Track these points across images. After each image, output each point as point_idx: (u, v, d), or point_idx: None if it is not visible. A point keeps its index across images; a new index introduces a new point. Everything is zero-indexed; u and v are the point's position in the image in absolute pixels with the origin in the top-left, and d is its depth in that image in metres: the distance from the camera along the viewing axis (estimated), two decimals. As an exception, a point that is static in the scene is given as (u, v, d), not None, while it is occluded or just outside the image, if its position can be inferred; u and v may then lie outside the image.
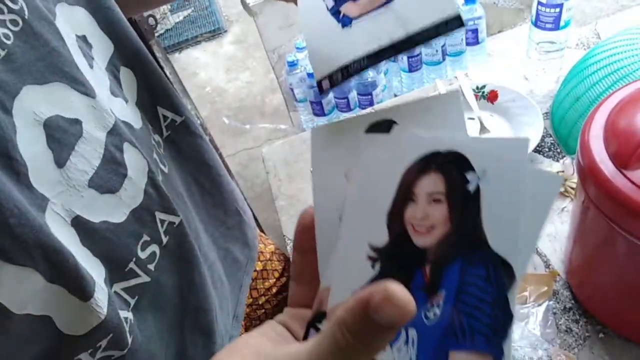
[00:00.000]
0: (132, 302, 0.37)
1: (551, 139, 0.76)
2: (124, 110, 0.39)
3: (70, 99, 0.32)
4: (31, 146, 0.29)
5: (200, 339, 0.45)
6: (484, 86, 0.83)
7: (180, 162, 0.47)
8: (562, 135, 0.74)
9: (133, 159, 0.36)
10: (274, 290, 0.68)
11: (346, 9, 0.29)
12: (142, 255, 0.37)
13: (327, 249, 0.24)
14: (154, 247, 0.39)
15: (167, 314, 0.42)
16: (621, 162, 0.40)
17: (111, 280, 0.35)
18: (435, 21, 0.27)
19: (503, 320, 0.20)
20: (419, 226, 0.22)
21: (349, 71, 0.28)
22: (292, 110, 1.65)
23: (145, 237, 0.38)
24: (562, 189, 0.67)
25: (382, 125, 0.25)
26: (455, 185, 0.22)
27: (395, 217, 0.23)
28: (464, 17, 0.29)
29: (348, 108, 1.41)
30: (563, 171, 0.68)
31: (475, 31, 1.27)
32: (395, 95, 1.45)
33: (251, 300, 0.65)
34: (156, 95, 0.44)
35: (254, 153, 2.03)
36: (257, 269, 0.65)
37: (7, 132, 0.28)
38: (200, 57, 2.66)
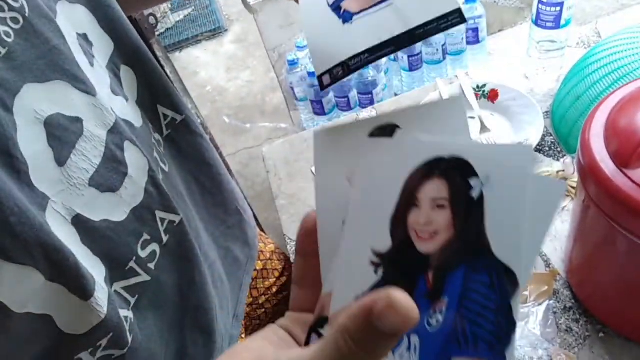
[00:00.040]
0: (133, 301, 0.37)
1: (552, 138, 0.76)
2: (125, 109, 0.39)
3: (71, 97, 0.32)
4: (32, 144, 0.29)
5: (200, 338, 0.45)
6: (484, 85, 0.83)
7: (181, 161, 0.47)
8: (562, 134, 0.74)
9: (134, 158, 0.36)
10: (274, 289, 0.68)
11: (347, 4, 0.29)
12: (143, 254, 0.37)
13: (330, 254, 0.24)
14: (154, 246, 0.39)
15: (167, 313, 0.42)
16: (622, 161, 0.40)
17: (111, 279, 0.35)
18: (435, 16, 0.27)
19: (506, 327, 0.20)
20: (422, 232, 0.22)
21: (349, 66, 0.28)
22: (293, 109, 1.65)
23: (146, 236, 0.38)
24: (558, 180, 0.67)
25: (386, 130, 0.25)
26: (459, 191, 0.22)
27: (399, 223, 0.23)
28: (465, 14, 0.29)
29: (348, 107, 1.41)
30: (563, 170, 0.68)
31: (475, 30, 1.27)
32: (396, 95, 1.45)
33: (251, 299, 0.65)
34: (156, 94, 0.44)
35: (254, 152, 2.03)
36: (257, 268, 0.65)
37: (8, 130, 0.28)
38: (200, 56, 2.66)
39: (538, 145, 0.74)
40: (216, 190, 0.52)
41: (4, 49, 0.29)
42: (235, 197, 0.56)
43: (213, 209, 0.52)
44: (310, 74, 1.35)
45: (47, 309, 0.30)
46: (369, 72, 1.34)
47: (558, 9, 0.75)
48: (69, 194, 0.32)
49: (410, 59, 1.35)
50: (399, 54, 1.34)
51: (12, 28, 0.30)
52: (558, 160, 0.72)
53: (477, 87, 0.84)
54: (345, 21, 0.29)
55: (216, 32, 2.73)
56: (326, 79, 0.29)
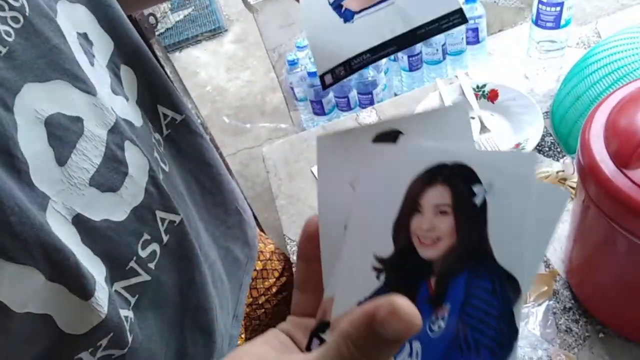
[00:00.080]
0: (133, 300, 0.37)
1: (551, 138, 0.76)
2: (125, 109, 0.39)
3: (71, 97, 0.32)
4: (32, 144, 0.29)
5: (200, 338, 0.45)
6: (484, 85, 0.83)
7: (181, 160, 0.47)
8: (562, 135, 0.74)
9: (134, 157, 0.36)
10: (274, 289, 0.68)
11: (348, 3, 0.29)
12: (143, 254, 0.37)
13: (332, 258, 0.24)
14: (155, 246, 0.39)
15: (168, 312, 0.42)
16: (622, 161, 0.40)
17: (112, 279, 0.35)
18: (437, 16, 0.27)
19: (508, 334, 0.20)
20: (424, 238, 0.22)
21: (351, 66, 0.28)
22: (293, 109, 1.65)
23: (146, 236, 0.38)
24: (562, 188, 0.67)
25: (389, 136, 0.25)
26: (462, 197, 0.22)
27: (401, 228, 0.23)
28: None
29: (348, 107, 1.41)
30: (563, 170, 0.68)
31: (475, 30, 1.27)
32: (396, 95, 1.45)
33: (251, 299, 0.65)
34: (156, 94, 0.44)
35: (254, 152, 2.03)
36: (257, 268, 0.65)
37: (9, 129, 0.28)
38: (200, 56, 2.66)
39: (538, 145, 0.74)
40: (216, 190, 0.52)
41: (5, 48, 0.29)
42: (235, 197, 0.56)
43: (213, 209, 0.52)
44: (310, 74, 1.35)
45: (48, 309, 0.30)
46: (369, 72, 1.34)
47: (558, 9, 0.75)
48: (69, 194, 0.32)
49: (410, 59, 1.35)
50: (399, 54, 1.34)
51: (12, 27, 0.30)
52: (558, 160, 0.72)
53: (477, 87, 0.84)
54: (346, 20, 0.29)
55: (216, 32, 2.73)
56: (328, 79, 0.29)
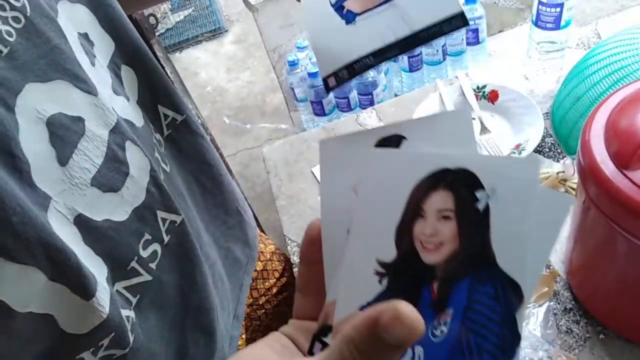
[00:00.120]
0: (134, 300, 0.37)
1: (551, 139, 0.76)
2: (126, 109, 0.39)
3: (72, 97, 0.32)
4: (34, 144, 0.29)
5: (201, 338, 0.45)
6: (484, 86, 0.83)
7: (181, 161, 0.47)
8: (562, 135, 0.75)
9: (135, 158, 0.36)
10: (274, 290, 0.68)
11: (349, 4, 0.29)
12: (144, 254, 0.37)
13: (334, 262, 0.24)
14: (156, 246, 0.39)
15: (169, 312, 0.42)
16: (622, 162, 0.40)
17: (113, 279, 0.35)
18: (438, 19, 0.27)
19: (511, 339, 0.20)
20: (427, 243, 0.22)
21: (355, 69, 0.28)
22: (293, 109, 1.65)
23: (147, 236, 0.38)
24: (562, 189, 0.67)
25: (392, 140, 0.25)
26: (465, 202, 0.22)
27: (404, 233, 0.23)
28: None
29: (349, 108, 1.41)
30: (563, 171, 0.68)
31: (475, 31, 1.27)
32: (396, 95, 1.45)
33: (251, 300, 0.65)
34: (157, 94, 0.44)
35: (254, 153, 2.03)
36: (258, 269, 0.65)
37: (10, 129, 0.28)
38: (200, 57, 2.66)
39: (538, 146, 0.74)
40: (217, 191, 0.52)
41: (6, 48, 0.29)
42: (236, 197, 0.56)
43: (214, 209, 0.52)
44: (311, 75, 1.35)
45: (49, 309, 0.30)
46: (369, 72, 1.34)
47: (558, 9, 0.75)
48: (70, 194, 0.32)
49: (410, 59, 1.35)
50: (399, 54, 1.34)
51: (13, 27, 0.30)
52: (558, 161, 0.72)
53: (477, 88, 0.84)
54: (348, 22, 0.29)
55: (216, 32, 2.74)
56: (331, 81, 0.29)
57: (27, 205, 0.28)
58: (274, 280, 0.68)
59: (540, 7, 0.76)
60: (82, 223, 0.32)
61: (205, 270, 0.45)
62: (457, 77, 0.90)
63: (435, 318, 0.22)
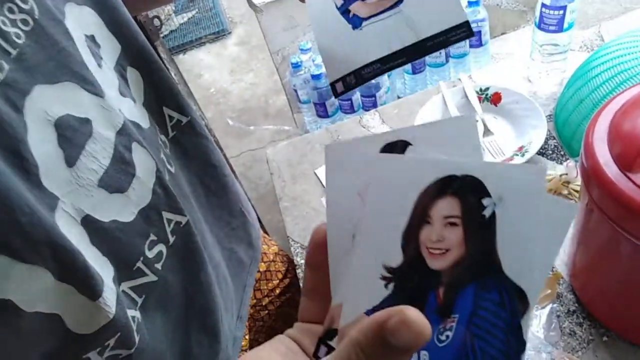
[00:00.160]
0: (140, 301, 0.37)
1: (555, 141, 0.76)
2: (132, 110, 0.39)
3: (80, 99, 0.32)
4: (42, 145, 0.30)
5: (205, 338, 0.45)
6: (487, 88, 0.84)
7: (186, 162, 0.47)
8: (565, 138, 0.75)
9: (141, 159, 0.37)
10: (277, 291, 0.68)
11: (355, 8, 0.30)
12: (150, 254, 0.38)
13: (340, 266, 0.25)
14: (161, 247, 0.39)
15: (173, 313, 0.42)
16: (625, 164, 0.40)
17: (119, 279, 0.35)
18: (444, 28, 0.27)
19: (516, 346, 0.21)
20: (433, 248, 0.22)
21: (362, 75, 0.28)
22: (296, 111, 1.65)
23: (153, 237, 0.38)
24: (565, 192, 0.67)
25: (397, 146, 0.25)
26: (471, 209, 0.22)
27: (410, 239, 0.23)
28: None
29: (352, 110, 1.41)
30: (566, 174, 0.68)
31: (478, 33, 1.27)
32: (399, 97, 1.45)
33: (255, 301, 0.65)
34: (162, 96, 0.44)
35: (257, 154, 2.04)
36: (261, 270, 0.65)
37: (19, 131, 0.28)
38: (204, 59, 2.67)
39: (541, 148, 0.74)
40: (221, 192, 0.52)
41: (15, 51, 0.29)
42: (240, 198, 0.56)
43: (218, 210, 0.52)
44: (314, 77, 1.35)
45: (56, 309, 0.30)
46: (372, 75, 1.34)
47: (561, 12, 0.75)
48: (78, 195, 0.32)
49: (413, 62, 1.35)
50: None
51: (22, 30, 0.30)
52: (561, 163, 0.72)
53: (480, 90, 0.84)
54: (355, 27, 0.29)
55: (220, 34, 2.75)
56: (339, 87, 0.29)
57: (36, 206, 0.28)
58: (277, 281, 0.69)
59: (543, 9, 0.76)
60: (89, 224, 0.33)
61: (209, 271, 0.45)
62: (460, 79, 0.90)
63: (440, 323, 0.22)
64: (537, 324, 0.57)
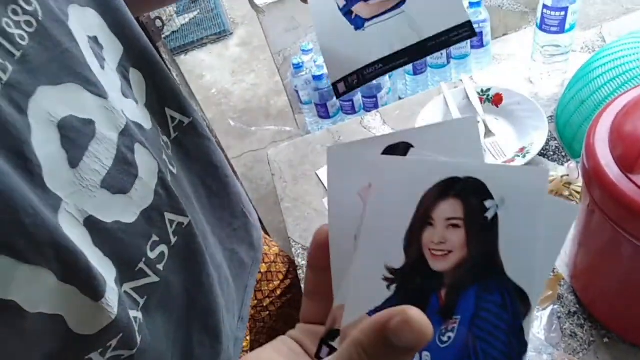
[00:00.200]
0: (142, 301, 0.38)
1: (556, 142, 0.76)
2: (135, 111, 0.39)
3: (83, 100, 0.33)
4: (45, 146, 0.30)
5: (207, 339, 0.45)
6: (488, 89, 0.84)
7: (188, 163, 0.48)
8: (567, 139, 0.75)
9: (144, 160, 0.37)
10: (278, 292, 0.68)
11: (358, 9, 0.30)
12: (152, 255, 0.38)
13: (342, 267, 0.25)
14: (163, 248, 0.39)
15: (175, 313, 0.42)
16: (626, 166, 0.40)
17: (121, 280, 0.35)
18: (446, 28, 0.27)
19: (518, 348, 0.21)
20: (436, 250, 0.23)
21: (364, 75, 0.28)
22: (297, 112, 1.66)
23: (155, 238, 0.38)
24: (567, 193, 0.67)
25: (399, 148, 0.25)
26: (474, 211, 0.22)
27: (413, 240, 0.23)
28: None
29: (353, 110, 1.41)
30: (568, 175, 0.68)
31: (480, 34, 1.27)
32: (400, 98, 1.45)
33: (256, 302, 0.65)
34: (164, 97, 0.44)
35: (259, 155, 2.04)
36: (262, 270, 0.65)
37: (23, 132, 0.28)
38: (206, 59, 2.67)
39: (542, 149, 0.74)
40: (223, 193, 0.52)
41: (19, 52, 0.29)
42: (241, 199, 0.57)
43: (219, 211, 0.52)
44: (315, 78, 1.35)
45: (59, 310, 0.31)
46: (374, 76, 1.34)
47: (562, 13, 0.75)
48: (81, 196, 0.32)
49: (415, 62, 1.35)
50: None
51: (26, 31, 0.30)
52: (562, 164, 0.72)
53: (482, 91, 0.84)
54: (357, 27, 0.30)
55: (221, 35, 2.75)
56: (341, 87, 0.29)
57: (39, 207, 0.28)
58: (278, 282, 0.69)
59: (544, 10, 0.76)
60: (91, 225, 0.33)
61: (211, 271, 0.45)
62: (461, 80, 0.90)
63: (442, 324, 0.22)
64: (538, 326, 0.57)
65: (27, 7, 0.30)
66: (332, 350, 0.24)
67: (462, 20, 0.27)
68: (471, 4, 1.21)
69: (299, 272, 0.73)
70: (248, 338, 0.61)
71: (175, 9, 2.90)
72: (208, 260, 0.44)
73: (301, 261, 0.74)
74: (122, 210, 0.35)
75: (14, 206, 0.27)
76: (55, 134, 0.30)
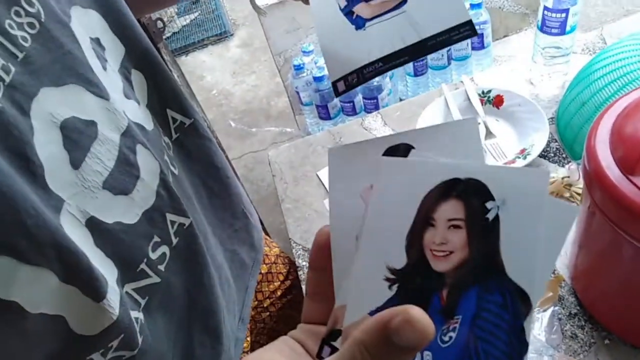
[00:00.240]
0: (143, 302, 0.38)
1: (557, 144, 0.76)
2: (136, 112, 0.39)
3: (85, 101, 0.33)
4: (48, 147, 0.30)
5: (208, 339, 0.45)
6: (489, 91, 0.84)
7: (189, 164, 0.48)
8: (567, 140, 0.75)
9: (145, 161, 0.37)
10: (279, 293, 0.68)
11: (359, 9, 0.30)
12: (153, 256, 0.38)
13: (343, 268, 0.25)
14: (164, 248, 0.39)
15: (176, 314, 0.42)
16: (627, 167, 0.40)
17: (122, 280, 0.35)
18: (447, 27, 0.27)
19: (518, 347, 0.21)
20: (437, 251, 0.23)
21: (364, 74, 0.29)
22: (298, 113, 1.66)
23: (156, 238, 0.38)
24: (567, 194, 0.67)
25: (400, 149, 0.25)
26: (475, 212, 0.22)
27: (414, 241, 0.23)
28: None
29: (354, 112, 1.41)
30: (569, 176, 0.68)
31: (480, 36, 1.28)
32: (401, 100, 1.45)
33: (256, 303, 0.65)
34: (166, 98, 0.45)
35: (259, 156, 2.04)
36: (262, 271, 0.65)
37: (25, 134, 0.28)
38: (206, 60, 2.68)
39: (543, 151, 0.74)
40: (224, 194, 0.52)
41: (22, 54, 0.29)
42: (242, 200, 0.57)
43: (220, 212, 0.52)
44: (316, 79, 1.35)
45: (61, 310, 0.31)
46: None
47: (563, 15, 0.75)
48: (83, 197, 0.32)
49: (415, 64, 1.35)
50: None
51: (28, 33, 0.30)
52: (563, 166, 0.72)
53: (483, 92, 0.84)
54: (358, 27, 0.30)
55: (222, 36, 2.76)
56: (341, 86, 0.29)
57: (41, 208, 0.28)
58: (279, 283, 0.69)
59: (545, 12, 0.76)
60: (93, 225, 0.33)
61: (212, 272, 0.45)
62: (462, 81, 0.90)
63: (444, 324, 0.22)
64: (538, 327, 0.57)
65: (29, 9, 0.30)
66: (334, 350, 0.24)
67: (464, 19, 0.27)
68: (472, 6, 1.22)
69: (300, 273, 0.73)
70: (248, 339, 0.61)
71: (176, 10, 2.91)
72: (209, 261, 0.44)
73: (302, 262, 0.74)
74: (124, 211, 0.35)
75: (16, 207, 0.27)
76: (57, 135, 0.31)
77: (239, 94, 2.41)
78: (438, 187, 0.23)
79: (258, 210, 0.76)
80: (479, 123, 0.81)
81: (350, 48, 0.29)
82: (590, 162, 0.43)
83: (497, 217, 0.22)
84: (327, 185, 0.84)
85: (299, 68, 1.41)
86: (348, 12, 0.30)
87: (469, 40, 1.30)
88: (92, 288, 0.31)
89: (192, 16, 2.92)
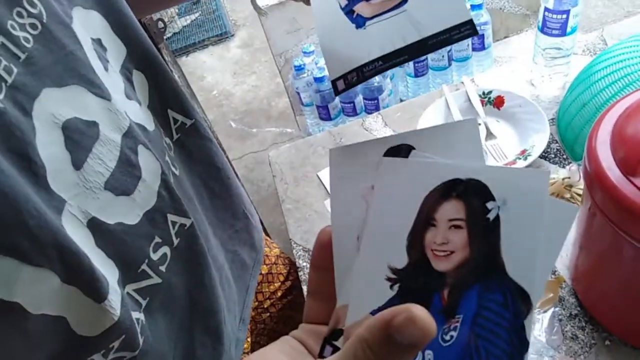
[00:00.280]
0: (144, 303, 0.38)
1: (557, 145, 0.76)
2: (138, 113, 0.39)
3: (87, 102, 0.33)
4: (50, 148, 0.30)
5: (209, 340, 0.45)
6: (490, 92, 0.84)
7: (190, 165, 0.48)
8: (568, 141, 0.75)
9: (147, 162, 0.37)
10: (279, 293, 0.68)
11: (360, 9, 0.30)
12: (154, 256, 0.38)
13: (345, 268, 0.25)
14: (165, 249, 0.39)
15: (177, 315, 0.42)
16: (628, 168, 0.40)
17: (124, 281, 0.35)
18: (448, 26, 0.27)
19: (519, 346, 0.21)
20: (438, 251, 0.23)
21: (364, 73, 0.29)
22: (299, 114, 1.66)
23: (157, 239, 0.38)
24: (568, 195, 0.67)
25: (401, 150, 0.25)
26: (476, 212, 0.22)
27: (415, 241, 0.23)
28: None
29: (354, 112, 1.41)
30: (569, 177, 0.68)
31: (481, 37, 1.28)
32: (401, 100, 1.46)
33: (256, 303, 0.65)
34: (166, 98, 0.45)
35: (260, 156, 2.04)
36: (263, 272, 0.65)
37: (27, 134, 0.29)
38: (207, 61, 2.68)
39: (544, 152, 0.74)
40: (225, 194, 0.52)
41: (24, 54, 0.29)
42: (243, 200, 0.57)
43: (221, 212, 0.52)
44: (317, 80, 1.35)
45: (62, 311, 0.31)
46: (375, 77, 1.34)
47: (564, 16, 0.75)
48: (84, 197, 0.32)
49: (416, 65, 1.36)
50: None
51: (31, 34, 0.30)
52: (564, 167, 0.72)
53: (483, 93, 0.84)
54: (358, 26, 0.30)
55: (223, 36, 2.76)
56: (340, 84, 0.29)
57: (43, 208, 0.28)
58: (279, 283, 0.69)
59: (546, 13, 0.76)
60: (95, 226, 0.33)
61: (213, 273, 0.45)
62: (462, 82, 0.90)
63: (445, 323, 0.22)
64: (539, 328, 0.57)
65: (31, 10, 0.30)
66: (336, 349, 0.24)
67: (464, 18, 0.27)
68: (473, 7, 1.22)
69: (300, 273, 0.73)
70: (249, 340, 0.61)
71: (177, 10, 2.91)
72: (210, 262, 0.44)
73: (302, 263, 0.74)
74: (125, 212, 0.35)
75: (18, 207, 0.27)
76: (59, 135, 0.31)
77: (239, 94, 2.41)
78: (439, 188, 0.23)
79: (258, 211, 0.76)
80: (480, 124, 0.81)
81: (351, 47, 0.29)
82: (591, 163, 0.43)
83: (497, 217, 0.22)
84: (327, 186, 0.84)
85: (299, 69, 1.41)
86: (349, 11, 0.30)
87: (469, 41, 1.30)
88: (94, 289, 0.31)
89: (193, 17, 2.92)
